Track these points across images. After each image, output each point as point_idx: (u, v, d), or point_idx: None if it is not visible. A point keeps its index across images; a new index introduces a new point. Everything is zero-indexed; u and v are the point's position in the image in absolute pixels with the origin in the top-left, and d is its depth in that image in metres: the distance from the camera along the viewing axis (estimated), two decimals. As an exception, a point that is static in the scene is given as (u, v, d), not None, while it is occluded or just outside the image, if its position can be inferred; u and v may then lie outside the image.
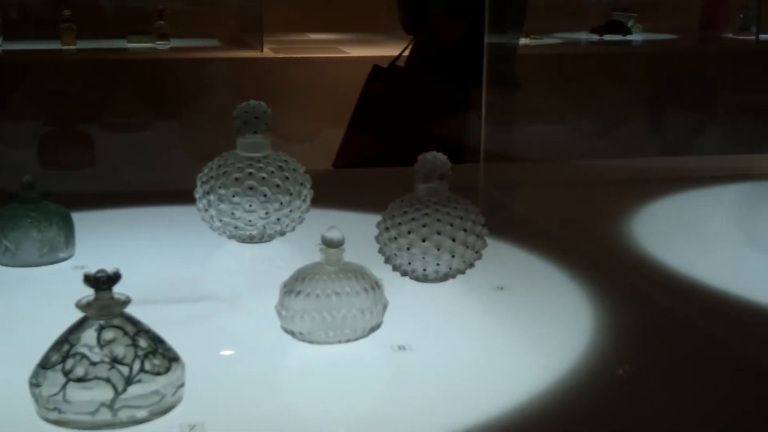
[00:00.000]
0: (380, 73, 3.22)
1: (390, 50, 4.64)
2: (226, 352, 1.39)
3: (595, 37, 5.25)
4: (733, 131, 4.07)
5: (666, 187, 2.36)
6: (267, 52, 4.41)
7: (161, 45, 4.57)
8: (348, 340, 1.36)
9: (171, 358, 1.16)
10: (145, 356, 1.12)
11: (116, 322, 1.13)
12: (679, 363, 1.40)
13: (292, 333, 1.36)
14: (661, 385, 1.32)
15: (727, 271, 1.75)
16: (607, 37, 5.23)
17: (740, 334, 1.50)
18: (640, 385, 1.33)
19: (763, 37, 5.32)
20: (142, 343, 1.13)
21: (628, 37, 5.26)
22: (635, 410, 1.24)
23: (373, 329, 1.38)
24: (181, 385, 1.17)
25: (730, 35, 5.57)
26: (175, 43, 4.59)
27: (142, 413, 1.12)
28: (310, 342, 1.36)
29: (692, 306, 1.61)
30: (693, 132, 4.35)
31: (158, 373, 1.13)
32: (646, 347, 1.45)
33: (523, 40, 5.00)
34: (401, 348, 1.37)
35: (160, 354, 1.14)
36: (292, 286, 1.36)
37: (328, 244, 1.36)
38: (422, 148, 1.60)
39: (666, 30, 5.59)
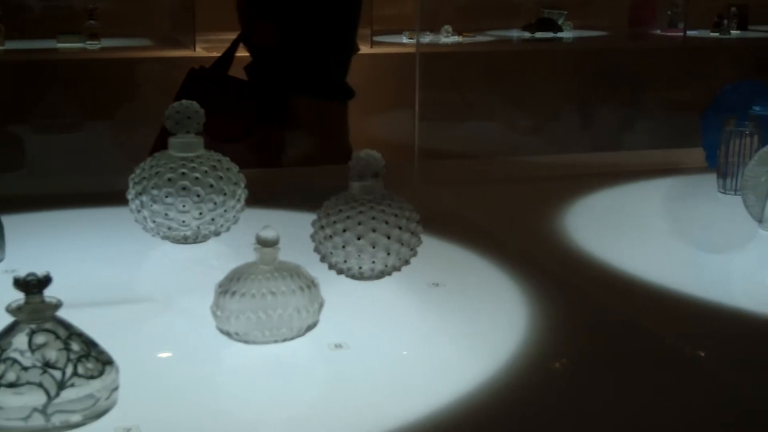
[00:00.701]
0: (195, 75, 2.99)
1: (323, 49, 4.64)
2: (162, 355, 1.38)
3: (527, 34, 5.31)
4: (661, 126, 4.15)
5: (597, 182, 2.39)
6: (200, 51, 4.37)
7: (92, 45, 4.50)
8: (284, 340, 1.36)
9: (104, 362, 1.14)
10: (78, 360, 1.11)
11: (48, 326, 1.12)
12: (612, 355, 1.42)
13: (227, 333, 1.36)
14: (595, 377, 1.34)
15: (656, 263, 1.78)
16: (539, 35, 5.28)
17: (670, 324, 1.53)
18: (575, 377, 1.35)
19: (690, 33, 5.43)
20: (75, 346, 1.12)
21: (559, 35, 5.32)
22: (571, 402, 1.26)
23: (309, 328, 1.38)
24: (116, 389, 1.16)
25: (658, 32, 5.67)
26: (106, 42, 4.53)
27: (75, 417, 1.11)
28: (246, 342, 1.35)
29: (624, 298, 1.64)
30: (623, 127, 4.42)
31: (92, 377, 1.12)
32: (580, 340, 1.47)
33: (455, 38, 5.05)
34: (338, 346, 1.37)
35: (93, 357, 1.13)
36: (227, 287, 1.35)
37: (263, 243, 1.36)
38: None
39: (596, 27, 5.66)
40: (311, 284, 1.38)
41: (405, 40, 4.82)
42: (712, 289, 1.66)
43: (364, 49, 4.52)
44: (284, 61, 2.87)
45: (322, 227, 1.56)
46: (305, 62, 2.85)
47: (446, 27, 5.06)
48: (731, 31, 5.61)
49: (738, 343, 1.47)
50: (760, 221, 1.95)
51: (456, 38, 5.07)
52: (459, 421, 1.19)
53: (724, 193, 2.23)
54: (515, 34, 5.38)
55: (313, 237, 1.59)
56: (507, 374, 1.31)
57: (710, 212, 2.17)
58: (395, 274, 1.60)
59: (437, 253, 1.80)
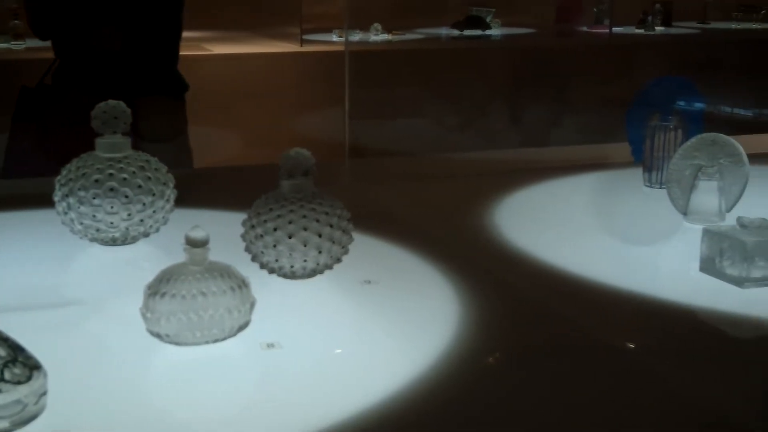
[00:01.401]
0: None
1: (252, 47, 4.63)
2: (95, 359, 1.36)
3: (456, 32, 5.34)
4: (588, 122, 4.20)
5: (526, 178, 2.42)
6: (127, 50, 4.32)
7: (16, 45, 4.42)
8: (216, 340, 1.35)
9: (32, 367, 1.13)
10: (5, 365, 1.09)
11: (-27, 331, 1.10)
12: (543, 348, 1.44)
13: (158, 335, 1.35)
14: (527, 371, 1.36)
15: (585, 257, 1.81)
16: (467, 32, 5.32)
17: (599, 317, 1.56)
18: (507, 371, 1.36)
19: (616, 30, 5.51)
20: (1, 351, 1.10)
21: (487, 32, 5.36)
22: (503, 396, 1.27)
23: (241, 328, 1.38)
24: (44, 394, 1.14)
25: (585, 29, 5.74)
26: (31, 42, 4.45)
27: (3, 424, 1.09)
28: (177, 344, 1.34)
29: (553, 292, 1.66)
30: (551, 123, 4.47)
31: (19, 382, 1.10)
32: (511, 334, 1.49)
33: (385, 36, 5.06)
34: (270, 346, 1.37)
35: (20, 362, 1.11)
36: (157, 288, 1.34)
37: (193, 243, 1.35)
38: None
39: (523, 24, 5.72)
40: (242, 284, 1.37)
41: (335, 38, 4.82)
42: (640, 281, 1.69)
43: (294, 47, 4.52)
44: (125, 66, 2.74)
45: (253, 226, 1.56)
46: (130, 58, 2.71)
47: (375, 25, 5.07)
48: (656, 28, 5.70)
49: (665, 334, 1.50)
50: (684, 214, 1.99)
51: (385, 36, 5.09)
52: (393, 417, 1.19)
53: (650, 186, 2.27)
54: (444, 32, 5.41)
55: (243, 236, 1.59)
56: (440, 370, 1.31)
57: (636, 206, 2.20)
58: (327, 272, 1.60)
59: (369, 251, 1.80)
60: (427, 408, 1.22)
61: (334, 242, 1.56)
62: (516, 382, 1.31)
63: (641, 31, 5.66)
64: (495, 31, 5.42)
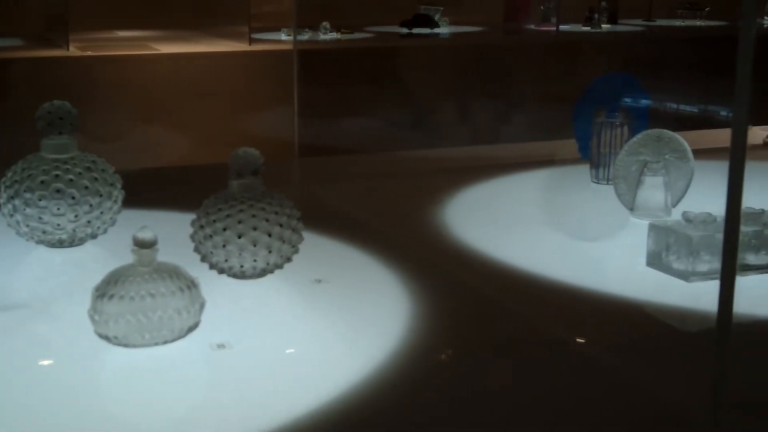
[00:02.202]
0: None
1: (201, 46, 4.60)
2: (42, 362, 1.35)
3: (405, 30, 5.35)
4: (536, 119, 4.23)
5: (475, 175, 2.43)
6: (74, 50, 4.28)
7: None
8: (165, 342, 1.34)
9: (-22, 371, 1.11)
10: (-50, 370, 1.08)
11: None
12: (494, 344, 1.45)
13: (106, 338, 1.33)
14: (477, 366, 1.36)
15: (534, 253, 1.83)
16: (416, 31, 5.33)
17: (548, 312, 1.57)
18: (458, 368, 1.37)
19: (563, 27, 5.55)
20: (-54, 356, 1.08)
21: (436, 31, 5.38)
22: (455, 392, 1.28)
23: (190, 329, 1.37)
24: (-9, 398, 1.13)
25: (532, 26, 5.78)
26: (-25, 43, 4.39)
27: (-52, 430, 1.07)
28: (126, 346, 1.33)
29: (503, 288, 1.67)
30: (499, 121, 4.49)
31: (-35, 387, 1.08)
32: (462, 331, 1.50)
33: (334, 35, 5.05)
34: (220, 346, 1.36)
35: (-35, 367, 1.10)
36: (105, 290, 1.33)
37: (140, 244, 1.34)
38: None
39: (471, 23, 5.74)
40: (191, 284, 1.36)
41: (283, 37, 4.80)
42: (588, 276, 1.71)
43: (243, 46, 4.50)
44: None
45: (202, 227, 1.55)
46: None
47: (324, 24, 5.06)
48: (602, 26, 5.76)
49: (613, 328, 1.52)
50: (631, 209, 2.01)
51: (334, 35, 5.08)
52: (345, 416, 1.19)
53: (597, 182, 2.29)
54: (393, 30, 5.42)
55: (192, 237, 1.58)
56: (391, 368, 1.32)
57: (584, 202, 2.22)
58: (277, 271, 1.60)
59: (319, 250, 1.80)
60: (378, 405, 1.22)
61: (284, 241, 1.56)
62: (467, 379, 1.32)
63: (588, 28, 5.70)
64: (443, 30, 5.44)
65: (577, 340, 1.49)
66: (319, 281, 1.64)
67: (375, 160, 2.86)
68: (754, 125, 2.78)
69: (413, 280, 1.65)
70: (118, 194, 1.74)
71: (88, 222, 1.70)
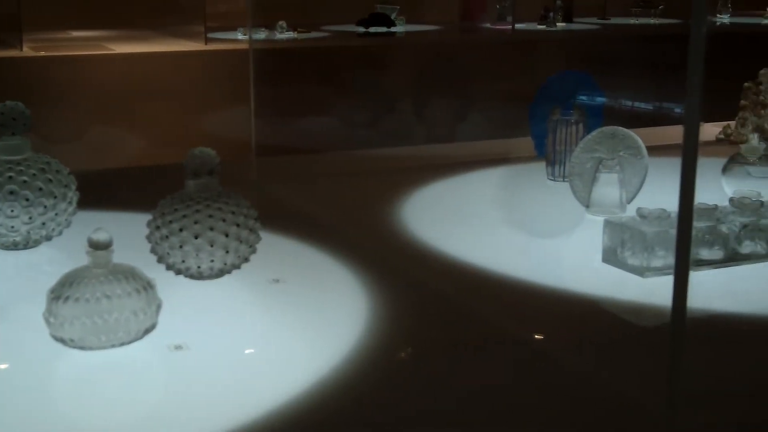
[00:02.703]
0: None
1: (156, 46, 4.57)
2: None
3: (361, 29, 5.35)
4: (492, 117, 4.25)
5: (432, 173, 2.44)
6: (27, 50, 4.23)
7: None
8: (122, 344, 1.33)
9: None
10: None
11: None
12: (453, 342, 1.45)
13: (62, 340, 1.32)
14: (436, 364, 1.37)
15: (491, 251, 1.84)
16: (373, 30, 5.33)
17: (505, 309, 1.58)
18: (417, 365, 1.37)
19: (518, 26, 5.58)
20: None
21: (392, 29, 5.38)
22: (414, 391, 1.28)
23: (147, 330, 1.36)
24: (-56, 403, 1.11)
25: (488, 25, 5.81)
26: None
27: None
28: (83, 348, 1.32)
29: (461, 285, 1.68)
30: (456, 119, 4.51)
31: None
32: (421, 329, 1.50)
33: (290, 34, 5.04)
34: (178, 347, 1.36)
35: None
36: (60, 292, 1.31)
37: (95, 246, 1.33)
38: None
39: (428, 21, 5.76)
40: (147, 286, 1.36)
41: (240, 36, 4.79)
42: (544, 273, 1.72)
43: (198, 46, 4.47)
44: None
45: (158, 227, 1.54)
46: None
47: (281, 23, 5.05)
48: (557, 24, 5.80)
49: (570, 324, 1.53)
50: (587, 206, 2.03)
51: (291, 34, 5.07)
52: (305, 415, 1.19)
53: (553, 180, 2.31)
54: (349, 29, 5.42)
55: (149, 238, 1.57)
56: (349, 367, 1.32)
57: (540, 199, 2.24)
58: (235, 272, 1.60)
59: (277, 250, 1.80)
60: (338, 405, 1.22)
61: (241, 241, 1.55)
62: (426, 376, 1.32)
63: (543, 27, 5.74)
64: (400, 28, 5.45)
65: (535, 336, 1.50)
66: (277, 281, 1.64)
67: (332, 159, 2.86)
68: (707, 122, 2.82)
69: (371, 279, 1.66)
70: (73, 196, 1.73)
71: (43, 224, 1.69)
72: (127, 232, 1.54)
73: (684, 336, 1.16)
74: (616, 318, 1.58)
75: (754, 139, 2.06)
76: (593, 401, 1.25)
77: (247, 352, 1.39)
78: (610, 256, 1.71)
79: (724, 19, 6.40)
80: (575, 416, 1.22)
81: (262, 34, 4.92)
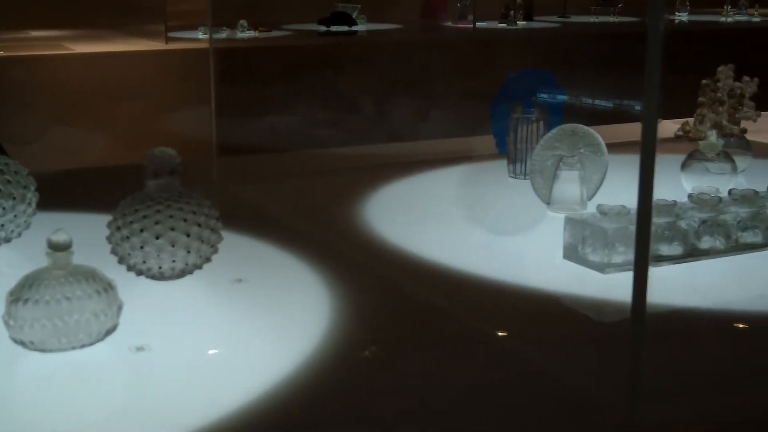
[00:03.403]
0: None
1: (116, 45, 4.53)
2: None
3: (323, 28, 5.34)
4: (454, 115, 4.26)
5: (394, 172, 2.44)
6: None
7: None
8: (83, 346, 1.32)
9: None
10: None
11: None
12: (416, 340, 1.46)
13: (22, 343, 1.31)
14: (401, 362, 1.37)
15: (453, 248, 1.84)
16: (334, 28, 5.33)
17: (469, 307, 1.59)
18: (381, 364, 1.37)
19: (479, 24, 5.60)
20: None
21: (354, 28, 5.38)
22: (378, 388, 1.28)
23: (109, 332, 1.35)
24: None
25: (450, 24, 5.82)
26: None
27: None
28: (43, 351, 1.31)
29: (424, 284, 1.68)
30: (418, 118, 4.52)
31: None
32: (384, 327, 1.50)
33: (252, 33, 5.02)
34: (140, 349, 1.35)
35: None
36: (19, 294, 1.30)
37: (55, 247, 1.32)
38: None
39: (389, 20, 5.76)
40: (108, 287, 1.35)
41: (201, 35, 4.76)
42: (506, 270, 1.73)
43: (159, 45, 4.44)
44: None
45: (119, 228, 1.53)
46: None
47: (242, 22, 5.03)
48: (518, 22, 5.82)
49: (531, 320, 1.54)
50: (548, 203, 2.04)
51: (252, 33, 5.05)
52: (269, 415, 1.19)
53: (514, 177, 2.32)
54: (311, 28, 5.41)
55: (109, 238, 1.56)
56: (314, 366, 1.32)
57: (502, 197, 2.25)
58: (197, 272, 1.59)
59: (239, 249, 1.79)
60: (302, 404, 1.22)
61: (202, 241, 1.55)
62: (390, 375, 1.33)
63: (504, 25, 5.77)
64: (361, 27, 5.45)
65: (497, 333, 1.51)
66: (240, 281, 1.64)
67: (294, 159, 2.85)
68: (665, 119, 2.84)
69: (334, 278, 1.65)
70: (32, 197, 1.71)
71: (1, 226, 1.67)
72: (88, 234, 1.53)
73: (643, 331, 1.17)
74: (576, 314, 1.59)
75: (713, 136, 2.08)
76: (554, 397, 1.26)
77: (210, 352, 1.39)
78: (571, 253, 1.73)
79: (683, 17, 6.47)
80: (536, 412, 1.22)
81: (223, 33, 4.90)
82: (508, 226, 2.05)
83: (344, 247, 1.87)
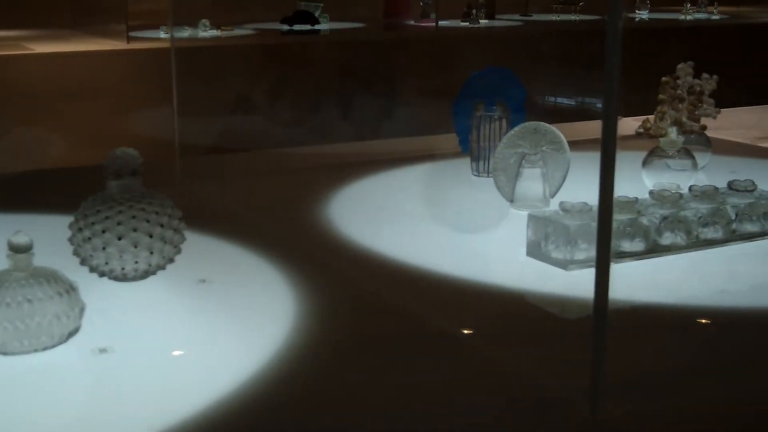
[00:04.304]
0: None
1: (77, 45, 4.50)
2: None
3: (286, 27, 5.33)
4: (417, 114, 4.27)
5: (358, 171, 2.44)
6: None
7: None
8: (45, 348, 1.31)
9: None
10: None
11: None
12: (381, 338, 1.46)
13: (-17, 346, 1.30)
14: (366, 360, 1.37)
15: (417, 247, 1.84)
16: (297, 27, 5.32)
17: (433, 305, 1.59)
18: (345, 362, 1.37)
19: (442, 23, 5.62)
20: None
21: (317, 27, 5.38)
22: (344, 387, 1.28)
23: (71, 334, 1.34)
24: None
25: (412, 22, 5.83)
26: None
27: None
28: (5, 353, 1.30)
29: (388, 282, 1.68)
30: (381, 116, 4.52)
31: None
32: (349, 326, 1.50)
33: (214, 32, 5.01)
34: (103, 351, 1.34)
35: None
36: (-20, 297, 1.29)
37: (15, 249, 1.31)
38: None
39: (352, 18, 5.76)
40: (70, 289, 1.34)
41: (162, 35, 4.73)
42: (471, 268, 1.73)
43: (121, 45, 4.41)
44: None
45: (80, 229, 1.52)
46: None
47: (204, 21, 5.01)
48: (480, 21, 5.84)
49: (496, 317, 1.54)
50: (511, 201, 2.05)
51: (214, 32, 5.03)
52: (233, 415, 1.19)
53: (478, 175, 2.33)
54: (274, 27, 5.40)
55: (71, 240, 1.55)
56: (278, 365, 1.32)
57: (465, 195, 2.25)
58: (160, 273, 1.58)
59: (202, 250, 1.79)
60: (267, 404, 1.22)
61: (165, 242, 1.54)
62: (356, 373, 1.33)
63: (466, 24, 5.79)
64: (324, 26, 5.44)
65: (462, 330, 1.51)
66: (203, 281, 1.63)
67: (257, 158, 2.85)
68: (626, 116, 2.87)
69: (298, 277, 1.65)
70: (-8, 198, 1.70)
71: (-39, 228, 1.65)
72: (49, 235, 1.52)
73: (606, 327, 1.18)
74: (540, 311, 1.60)
75: (673, 133, 2.10)
76: (518, 393, 1.27)
77: (174, 353, 1.38)
78: (534, 250, 1.74)
79: (643, 15, 6.52)
80: (500, 408, 1.23)
81: (185, 33, 4.88)
82: (471, 224, 2.05)
83: (308, 246, 1.87)
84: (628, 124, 2.84)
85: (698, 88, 2.13)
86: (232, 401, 1.21)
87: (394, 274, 1.72)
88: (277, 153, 2.93)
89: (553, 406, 1.24)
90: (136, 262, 1.52)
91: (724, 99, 2.25)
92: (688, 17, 6.58)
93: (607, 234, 1.15)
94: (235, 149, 3.31)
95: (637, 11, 6.52)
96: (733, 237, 1.81)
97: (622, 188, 1.42)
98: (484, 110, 2.29)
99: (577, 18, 6.35)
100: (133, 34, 4.56)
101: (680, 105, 2.11)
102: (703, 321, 1.54)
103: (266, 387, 1.26)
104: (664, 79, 2.15)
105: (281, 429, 1.18)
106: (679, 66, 2.16)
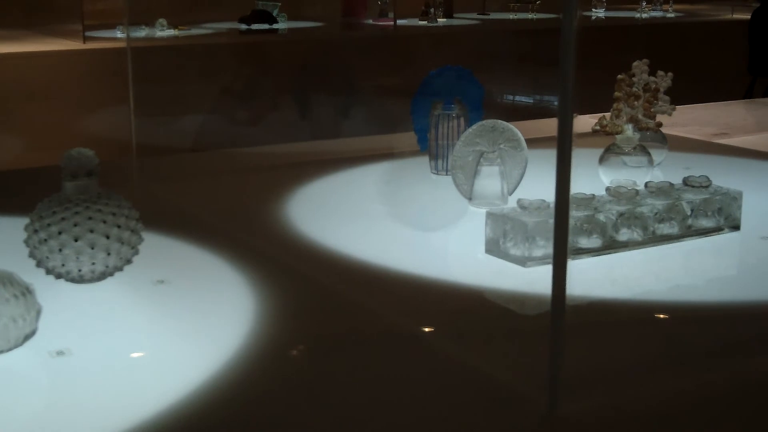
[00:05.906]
0: None
1: (32, 46, 4.45)
2: None
3: (244, 26, 5.32)
4: (375, 112, 4.28)
5: (317, 170, 2.44)
6: None
7: None
8: (1, 351, 1.30)
9: None
10: None
11: None
12: (341, 337, 1.46)
13: (-63, 350, 1.28)
14: (325, 359, 1.37)
15: (377, 245, 1.85)
16: (255, 27, 5.31)
17: (392, 303, 1.59)
18: (305, 362, 1.37)
19: (400, 22, 5.63)
20: None
21: (275, 26, 5.37)
22: (304, 387, 1.28)
23: (27, 337, 1.33)
24: None
25: (370, 21, 5.84)
26: None
27: None
28: (-41, 357, 1.28)
29: (348, 281, 1.69)
30: (339, 115, 4.52)
31: None
32: (309, 325, 1.50)
33: (171, 32, 4.98)
34: (60, 353, 1.33)
35: None
36: (-66, 300, 1.27)
37: (-30, 252, 1.29)
38: None
39: (309, 17, 5.76)
40: (26, 291, 1.32)
41: (119, 34, 4.70)
42: (430, 265, 1.74)
43: (77, 45, 4.37)
44: None
45: (36, 231, 1.50)
46: None
47: (161, 21, 4.98)
48: (438, 20, 5.86)
49: (455, 314, 1.55)
50: (469, 198, 2.06)
51: (172, 32, 5.00)
52: (193, 417, 1.18)
53: (436, 173, 2.34)
54: (232, 26, 5.38)
55: (27, 241, 1.53)
56: (238, 366, 1.31)
57: (424, 193, 2.26)
58: (118, 274, 1.57)
59: (161, 250, 1.78)
60: (227, 404, 1.22)
61: (123, 243, 1.53)
62: (315, 372, 1.33)
63: (424, 23, 5.80)
64: (282, 25, 5.43)
65: (421, 328, 1.51)
66: (161, 282, 1.62)
67: (215, 158, 2.83)
68: (582, 114, 2.89)
69: (257, 277, 1.65)
70: (-55, 201, 1.68)
71: None
72: (4, 237, 1.50)
73: (563, 323, 1.19)
74: (499, 307, 1.60)
75: (629, 130, 2.12)
76: (477, 389, 1.27)
77: (131, 355, 1.37)
78: (493, 247, 1.74)
79: (600, 13, 6.58)
80: (458, 405, 1.23)
81: (142, 32, 4.85)
82: (430, 221, 2.06)
83: (267, 246, 1.86)
84: (585, 122, 2.85)
85: (654, 86, 2.15)
86: (190, 403, 1.21)
87: (353, 272, 1.72)
88: (235, 152, 2.92)
89: (512, 402, 1.25)
90: (93, 264, 1.51)
91: (680, 96, 2.27)
92: (644, 15, 6.65)
93: (565, 231, 1.16)
94: (192, 149, 3.30)
95: (593, 9, 6.57)
96: (688, 232, 1.83)
97: (579, 185, 1.44)
98: (441, 109, 2.30)
99: (534, 16, 6.39)
100: (89, 33, 4.52)
101: (636, 102, 2.12)
102: (660, 316, 1.55)
103: (224, 389, 1.25)
104: (619, 76, 2.16)
105: (239, 431, 1.18)
106: (635, 63, 2.17)
